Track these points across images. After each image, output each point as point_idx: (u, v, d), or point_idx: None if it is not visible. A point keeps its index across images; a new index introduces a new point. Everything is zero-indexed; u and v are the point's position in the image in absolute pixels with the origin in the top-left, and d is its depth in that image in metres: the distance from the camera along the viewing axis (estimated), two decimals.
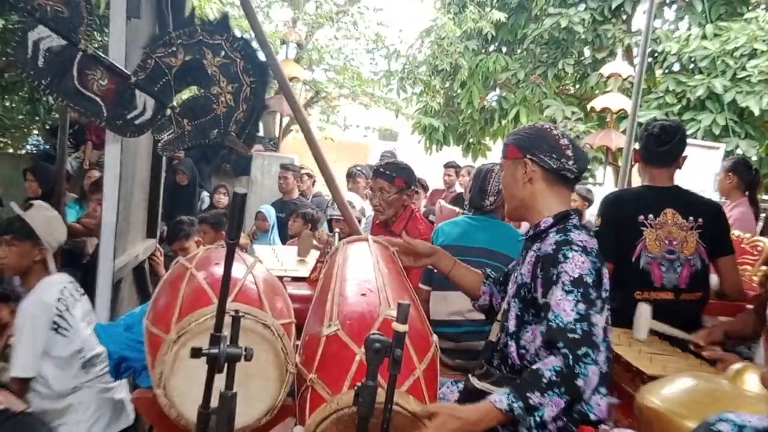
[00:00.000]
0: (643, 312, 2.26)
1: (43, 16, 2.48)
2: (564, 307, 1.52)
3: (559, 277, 1.56)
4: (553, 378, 1.43)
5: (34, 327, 2.35)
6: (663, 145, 2.53)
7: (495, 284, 2.02)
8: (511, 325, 1.72)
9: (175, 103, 2.77)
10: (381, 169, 3.05)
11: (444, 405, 1.51)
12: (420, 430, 1.42)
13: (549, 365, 1.46)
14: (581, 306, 1.51)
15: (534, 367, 1.50)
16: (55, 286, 2.47)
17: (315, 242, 3.42)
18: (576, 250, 1.58)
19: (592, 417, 1.60)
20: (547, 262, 1.60)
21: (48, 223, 2.55)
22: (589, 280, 1.55)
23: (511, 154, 1.77)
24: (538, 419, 1.42)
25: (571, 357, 1.45)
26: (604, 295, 1.61)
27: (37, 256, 2.49)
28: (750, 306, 2.61)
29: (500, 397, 1.44)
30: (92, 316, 2.64)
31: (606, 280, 1.64)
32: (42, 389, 2.42)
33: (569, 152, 1.71)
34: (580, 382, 1.44)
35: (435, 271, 2.68)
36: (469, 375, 1.81)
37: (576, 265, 1.56)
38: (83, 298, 2.61)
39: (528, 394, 1.42)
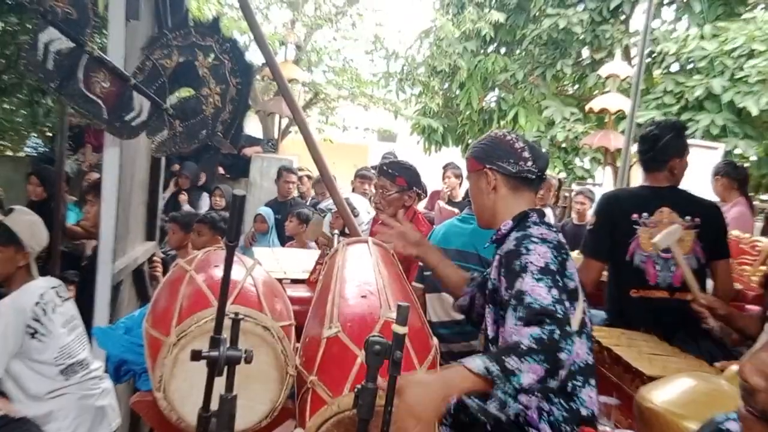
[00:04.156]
0: (674, 230, 2.36)
1: (53, 18, 2.48)
2: (539, 292, 1.49)
3: (526, 267, 1.54)
4: (533, 345, 1.37)
5: (5, 328, 2.32)
6: (645, 153, 2.58)
7: (478, 287, 2.02)
8: (490, 330, 1.72)
9: (168, 105, 2.78)
10: (384, 168, 3.06)
11: (405, 376, 1.35)
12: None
13: (525, 334, 1.40)
14: (555, 291, 1.49)
15: (510, 340, 1.45)
16: (35, 291, 2.43)
17: (324, 230, 3.41)
18: (536, 242, 1.59)
19: (584, 411, 1.60)
20: (510, 256, 1.60)
21: (30, 227, 2.52)
22: (554, 267, 1.54)
23: (472, 167, 1.81)
24: (515, 384, 1.34)
25: (558, 332, 1.40)
26: (571, 285, 1.60)
27: (21, 261, 2.45)
28: (750, 306, 2.61)
29: (474, 361, 1.37)
30: (77, 321, 2.60)
31: (572, 270, 1.63)
32: (16, 392, 2.39)
33: (526, 154, 1.75)
34: (563, 355, 1.39)
35: (426, 273, 2.70)
36: None
37: (539, 254, 1.56)
38: (66, 303, 2.56)
39: (504, 358, 1.35)
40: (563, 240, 1.68)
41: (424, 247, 2.08)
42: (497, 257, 1.71)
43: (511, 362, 1.35)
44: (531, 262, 1.55)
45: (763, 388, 0.77)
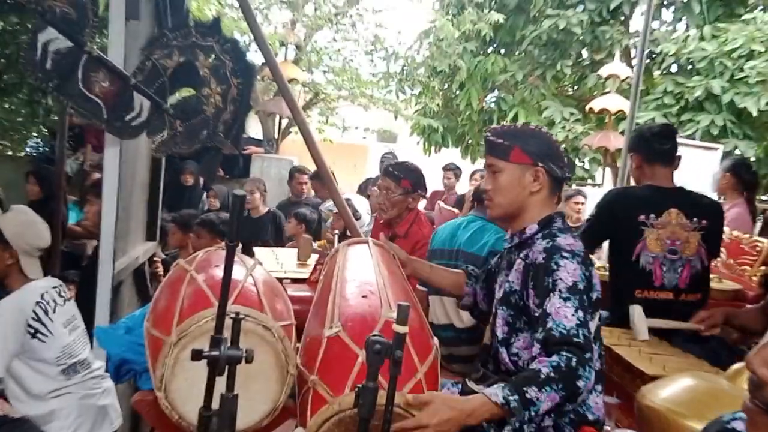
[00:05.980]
0: (636, 313, 2.28)
1: (52, 18, 2.48)
2: (564, 314, 1.52)
3: (555, 285, 1.56)
4: (552, 374, 1.42)
5: (4, 328, 2.33)
6: (667, 143, 2.57)
7: (477, 282, 2.04)
8: (500, 331, 1.73)
9: (168, 105, 2.78)
10: (390, 169, 3.06)
11: (437, 394, 1.49)
12: (411, 418, 1.40)
13: (546, 362, 1.45)
14: (580, 313, 1.52)
15: (531, 366, 1.49)
16: (36, 291, 2.44)
17: (315, 246, 3.42)
18: (566, 257, 1.60)
19: (590, 417, 1.61)
20: (540, 270, 1.61)
21: (20, 225, 2.51)
22: (581, 286, 1.57)
23: (518, 159, 1.70)
24: (533, 413, 1.41)
25: (575, 359, 1.45)
26: (594, 296, 1.63)
27: (8, 260, 2.45)
28: (751, 306, 2.61)
29: (495, 391, 1.42)
30: (78, 321, 2.60)
31: (596, 281, 1.65)
32: (17, 391, 2.40)
33: (565, 160, 1.76)
34: (581, 383, 1.44)
35: None
36: (466, 379, 1.82)
37: (569, 272, 1.57)
38: (68, 303, 2.57)
39: (525, 389, 1.41)
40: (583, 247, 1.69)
41: (413, 264, 2.12)
42: (522, 263, 1.70)
43: (531, 393, 1.40)
44: (561, 279, 1.56)
45: None
